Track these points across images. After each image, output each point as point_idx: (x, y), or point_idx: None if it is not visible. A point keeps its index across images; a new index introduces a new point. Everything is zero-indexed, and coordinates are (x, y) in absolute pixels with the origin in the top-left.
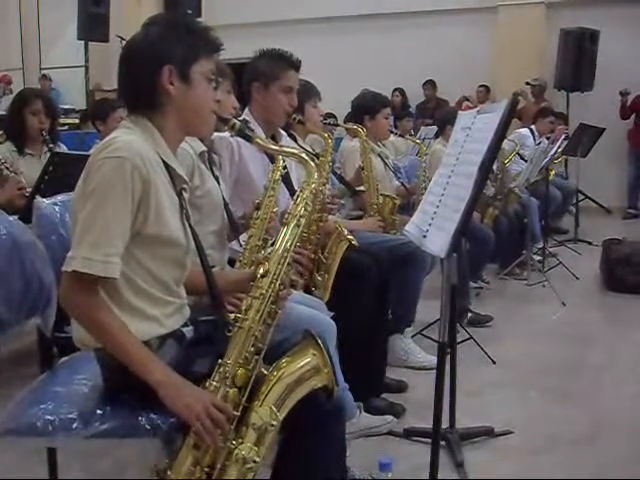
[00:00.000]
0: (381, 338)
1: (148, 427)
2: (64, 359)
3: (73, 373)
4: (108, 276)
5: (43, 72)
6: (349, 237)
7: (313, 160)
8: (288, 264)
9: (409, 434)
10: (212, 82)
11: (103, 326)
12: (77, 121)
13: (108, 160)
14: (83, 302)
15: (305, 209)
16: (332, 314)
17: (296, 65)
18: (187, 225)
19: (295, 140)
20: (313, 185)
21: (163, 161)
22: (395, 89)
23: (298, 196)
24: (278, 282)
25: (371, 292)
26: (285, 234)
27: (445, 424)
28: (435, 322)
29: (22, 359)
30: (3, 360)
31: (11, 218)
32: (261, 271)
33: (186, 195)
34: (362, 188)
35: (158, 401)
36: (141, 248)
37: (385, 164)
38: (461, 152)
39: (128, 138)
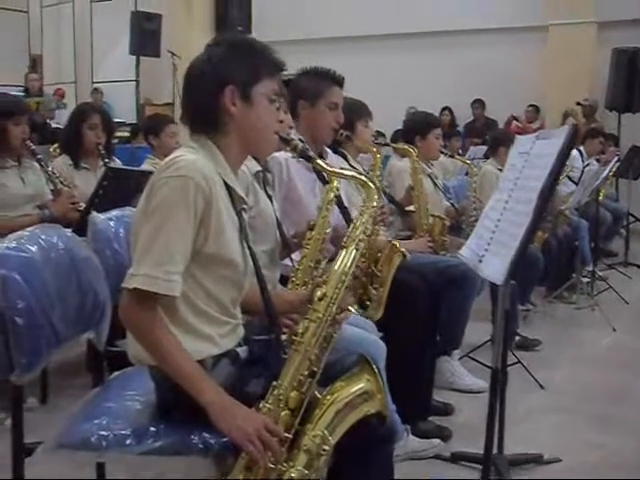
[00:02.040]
0: (429, 360)
1: (201, 446)
2: (116, 374)
3: (125, 389)
4: (170, 294)
5: (95, 86)
6: (402, 250)
7: (374, 183)
8: (346, 287)
9: (457, 458)
10: (275, 102)
11: (159, 343)
12: (127, 135)
13: (171, 179)
14: (144, 319)
15: (364, 233)
16: (381, 334)
17: (339, 81)
18: (246, 246)
19: (346, 159)
20: (373, 209)
21: (224, 181)
22: (443, 108)
23: (357, 219)
24: (335, 306)
25: (421, 313)
26: (344, 257)
27: (493, 449)
28: (483, 345)
29: (71, 369)
30: (52, 370)
31: (68, 233)
32: (319, 294)
33: (245, 216)
34: (411, 208)
35: (211, 421)
36: (200, 267)
37: (435, 184)
38: (519, 177)
39: (191, 157)
